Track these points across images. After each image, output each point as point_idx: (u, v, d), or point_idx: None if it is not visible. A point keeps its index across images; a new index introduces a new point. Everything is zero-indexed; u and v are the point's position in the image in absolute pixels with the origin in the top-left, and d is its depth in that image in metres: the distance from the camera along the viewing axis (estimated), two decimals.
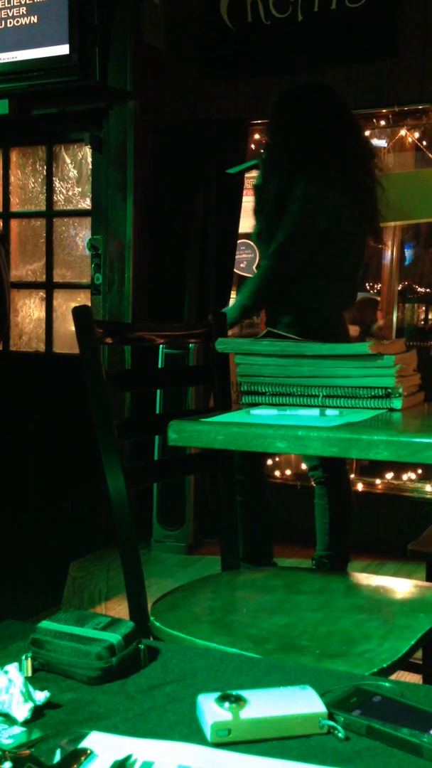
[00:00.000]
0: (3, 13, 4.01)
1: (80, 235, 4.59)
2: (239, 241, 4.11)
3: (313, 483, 3.01)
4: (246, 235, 4.04)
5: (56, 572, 3.45)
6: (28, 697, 0.87)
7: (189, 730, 0.84)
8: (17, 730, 0.84)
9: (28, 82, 4.00)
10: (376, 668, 1.18)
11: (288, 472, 4.14)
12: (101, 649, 0.95)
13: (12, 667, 0.90)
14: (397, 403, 1.51)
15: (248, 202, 3.57)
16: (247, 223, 3.85)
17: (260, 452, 2.40)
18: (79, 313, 1.47)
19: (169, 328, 1.96)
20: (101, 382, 1.45)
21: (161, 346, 3.73)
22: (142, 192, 4.09)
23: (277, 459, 4.15)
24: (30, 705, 0.87)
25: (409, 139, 4.05)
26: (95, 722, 0.86)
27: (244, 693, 0.86)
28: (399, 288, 4.48)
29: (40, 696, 0.88)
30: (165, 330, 1.93)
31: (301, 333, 1.84)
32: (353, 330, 3.36)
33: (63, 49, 3.86)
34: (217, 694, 0.85)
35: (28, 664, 0.97)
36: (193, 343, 3.58)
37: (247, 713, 0.83)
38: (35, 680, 0.93)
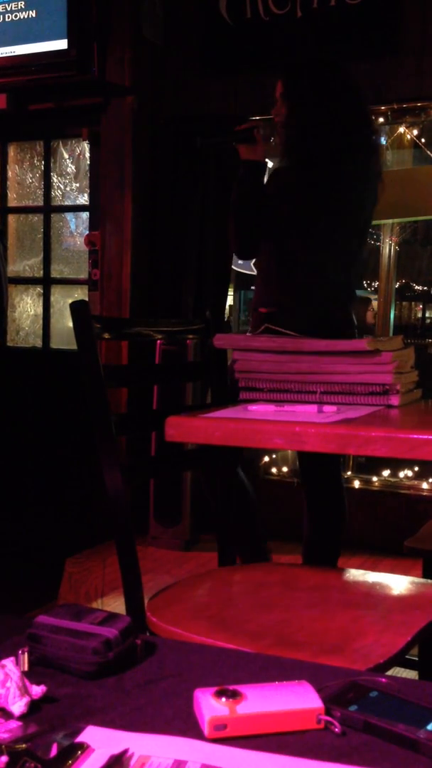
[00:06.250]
0: (1, 8, 4.00)
1: (78, 230, 4.58)
2: None
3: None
4: None
5: (53, 568, 3.45)
6: (24, 691, 0.87)
7: (185, 725, 0.84)
8: (14, 724, 0.83)
9: (26, 77, 3.99)
10: (373, 664, 1.18)
11: (285, 469, 4.14)
12: (98, 644, 0.95)
13: (8, 662, 0.90)
14: (395, 400, 1.51)
15: None
16: None
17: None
18: (76, 308, 1.46)
19: (167, 324, 1.96)
20: (99, 377, 1.45)
21: (158, 341, 3.72)
22: (140, 188, 4.08)
23: (273, 456, 4.16)
24: (26, 699, 0.87)
25: (408, 137, 4.05)
26: (92, 717, 0.86)
27: (241, 688, 0.86)
28: (396, 286, 4.48)
29: (37, 690, 0.88)
30: (162, 326, 1.92)
31: None
32: None
33: (61, 44, 3.85)
34: (213, 689, 0.85)
35: (25, 658, 0.97)
36: (190, 339, 3.58)
37: (244, 708, 0.83)
38: (32, 675, 0.93)
